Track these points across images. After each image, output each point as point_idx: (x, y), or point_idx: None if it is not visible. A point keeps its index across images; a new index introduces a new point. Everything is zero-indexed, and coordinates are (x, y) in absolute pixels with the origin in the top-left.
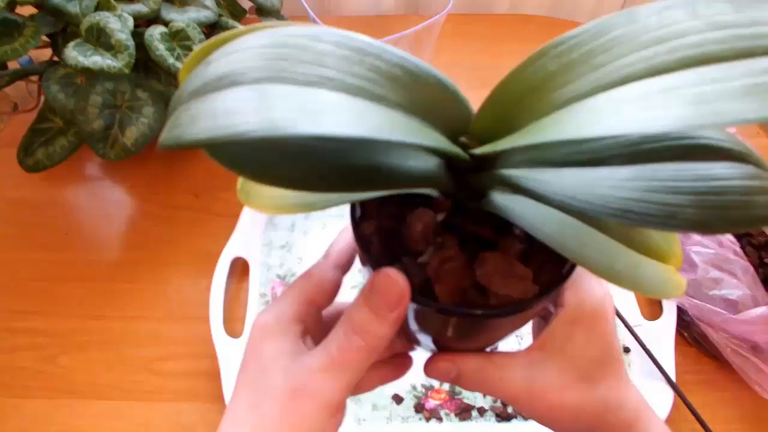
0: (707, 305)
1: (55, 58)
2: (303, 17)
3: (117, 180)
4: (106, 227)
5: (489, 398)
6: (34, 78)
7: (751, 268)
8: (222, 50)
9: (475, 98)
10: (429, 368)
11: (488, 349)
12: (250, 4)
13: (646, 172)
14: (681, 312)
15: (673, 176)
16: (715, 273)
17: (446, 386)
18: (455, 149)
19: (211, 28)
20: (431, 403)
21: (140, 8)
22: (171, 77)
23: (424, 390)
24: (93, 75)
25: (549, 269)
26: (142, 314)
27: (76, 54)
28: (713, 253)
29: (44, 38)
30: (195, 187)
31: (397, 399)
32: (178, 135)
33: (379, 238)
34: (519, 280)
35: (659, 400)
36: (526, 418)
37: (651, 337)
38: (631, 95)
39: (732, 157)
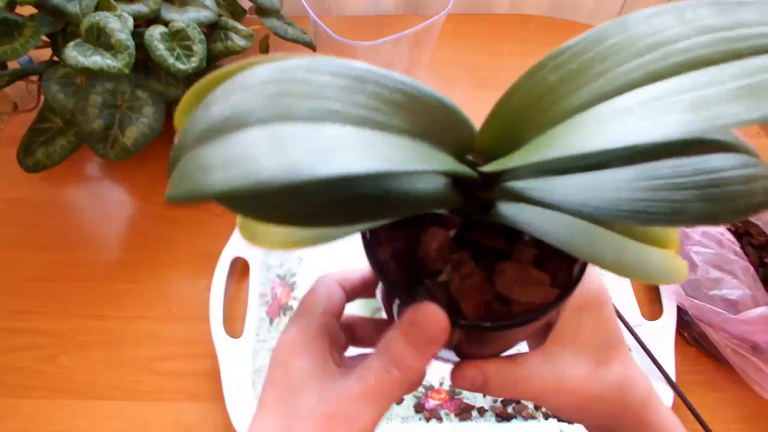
0: (707, 305)
1: (55, 58)
2: (303, 17)
3: (117, 180)
4: (106, 227)
5: (489, 398)
6: (34, 78)
7: (751, 268)
8: (220, 91)
9: (475, 98)
10: (457, 377)
11: (504, 354)
12: (250, 4)
13: (647, 171)
14: (681, 312)
15: (674, 173)
16: (715, 273)
17: (446, 386)
18: (465, 169)
19: (211, 28)
20: (431, 403)
21: (140, 8)
22: (171, 77)
23: (424, 390)
24: (93, 75)
25: (563, 270)
26: (142, 314)
27: (76, 54)
28: (713, 253)
29: (44, 38)
30: None
31: (398, 399)
32: (192, 187)
33: (395, 263)
34: (538, 285)
35: None
36: (540, 416)
37: (651, 337)
38: (632, 103)
39: (725, 148)
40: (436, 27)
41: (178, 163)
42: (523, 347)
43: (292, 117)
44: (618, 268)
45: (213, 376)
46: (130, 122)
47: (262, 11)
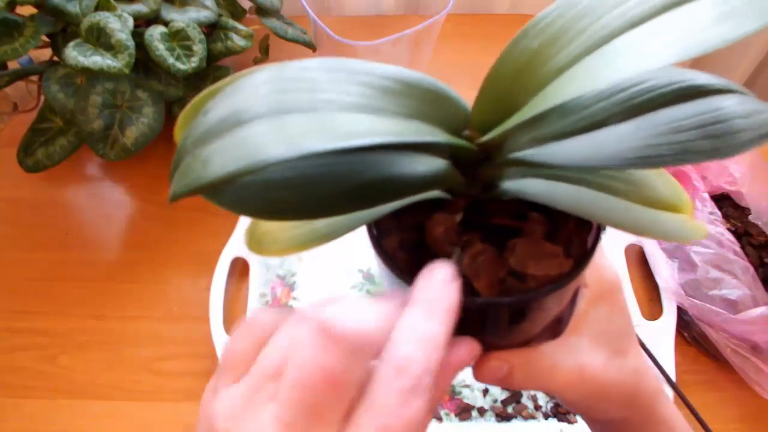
0: (707, 305)
1: (55, 58)
2: (303, 17)
3: (117, 180)
4: (106, 227)
5: (489, 398)
6: (34, 78)
7: (751, 268)
8: (217, 98)
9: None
10: (480, 370)
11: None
12: (250, 4)
13: (646, 121)
14: (681, 312)
15: (673, 118)
16: (715, 273)
17: None
18: (462, 141)
19: (211, 28)
20: None
21: (140, 8)
22: (171, 77)
23: None
24: (93, 75)
25: (576, 243)
26: (142, 314)
27: (76, 54)
28: (713, 253)
29: (44, 38)
30: None
31: None
32: (193, 179)
33: (404, 253)
34: (552, 258)
35: None
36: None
37: (651, 337)
38: (617, 49)
39: (720, 91)
40: (436, 27)
41: (179, 167)
42: None
43: (287, 110)
44: (633, 227)
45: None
46: (130, 122)
47: (262, 11)
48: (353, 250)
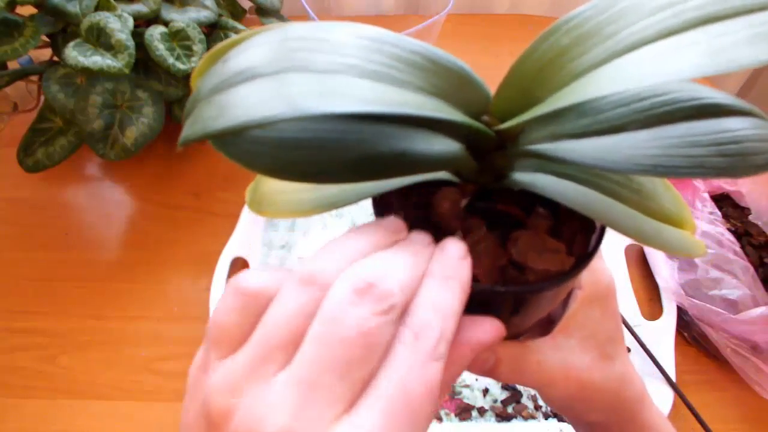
0: (707, 305)
1: (55, 58)
2: (303, 17)
3: (117, 180)
4: (106, 227)
5: (489, 398)
6: (34, 78)
7: (751, 268)
8: (238, 48)
9: None
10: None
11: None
12: (250, 4)
13: (662, 132)
14: (681, 312)
15: (690, 132)
16: (715, 273)
17: None
18: (481, 126)
19: (211, 28)
20: None
21: (140, 8)
22: (171, 77)
23: None
24: (93, 75)
25: (579, 242)
26: (142, 314)
27: (76, 54)
28: (713, 253)
29: (44, 38)
30: (195, 187)
31: None
32: (203, 127)
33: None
34: (554, 253)
35: (659, 400)
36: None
37: (651, 337)
38: (647, 56)
39: (738, 113)
40: (436, 27)
41: (192, 112)
42: None
43: (306, 68)
44: (637, 234)
45: None
46: (130, 122)
47: (262, 11)
48: None
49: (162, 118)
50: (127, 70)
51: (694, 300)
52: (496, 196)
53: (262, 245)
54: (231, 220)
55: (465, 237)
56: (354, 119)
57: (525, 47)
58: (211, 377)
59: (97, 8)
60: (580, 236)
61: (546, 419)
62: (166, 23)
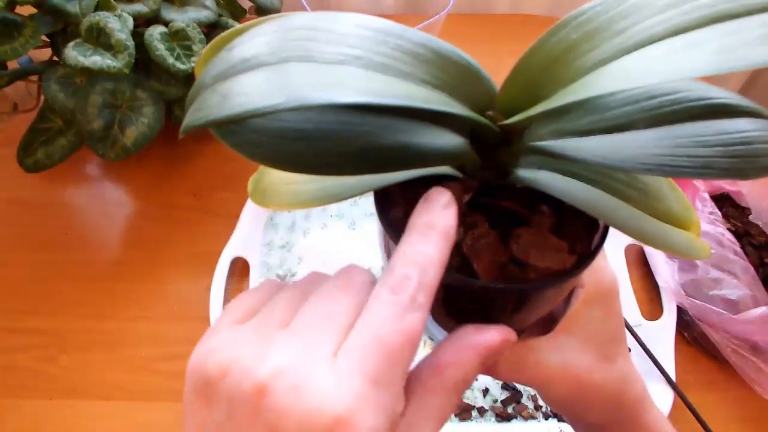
0: (707, 305)
1: (55, 58)
2: None
3: (117, 180)
4: (105, 227)
5: (489, 398)
6: (34, 78)
7: (751, 268)
8: (244, 36)
9: None
10: None
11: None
12: (250, 4)
13: (670, 132)
14: (681, 312)
15: (698, 133)
16: (715, 273)
17: None
18: (485, 120)
19: (211, 28)
20: None
21: (140, 8)
22: (171, 77)
23: None
24: (93, 75)
25: (581, 241)
26: (142, 314)
27: (76, 54)
28: (713, 253)
29: (44, 38)
30: (195, 187)
31: None
32: (207, 113)
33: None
34: (556, 251)
35: (659, 400)
36: (546, 414)
37: (651, 337)
38: (658, 53)
39: (748, 114)
40: (436, 27)
41: (195, 100)
42: None
43: (310, 58)
44: (641, 235)
45: None
46: (130, 122)
47: (262, 11)
48: (353, 251)
49: (162, 118)
50: (127, 70)
51: (695, 300)
52: (499, 192)
53: (262, 245)
54: (231, 220)
55: (466, 233)
56: (356, 111)
57: (525, 47)
58: (211, 339)
59: (97, 8)
60: (582, 235)
61: (546, 419)
62: (166, 23)
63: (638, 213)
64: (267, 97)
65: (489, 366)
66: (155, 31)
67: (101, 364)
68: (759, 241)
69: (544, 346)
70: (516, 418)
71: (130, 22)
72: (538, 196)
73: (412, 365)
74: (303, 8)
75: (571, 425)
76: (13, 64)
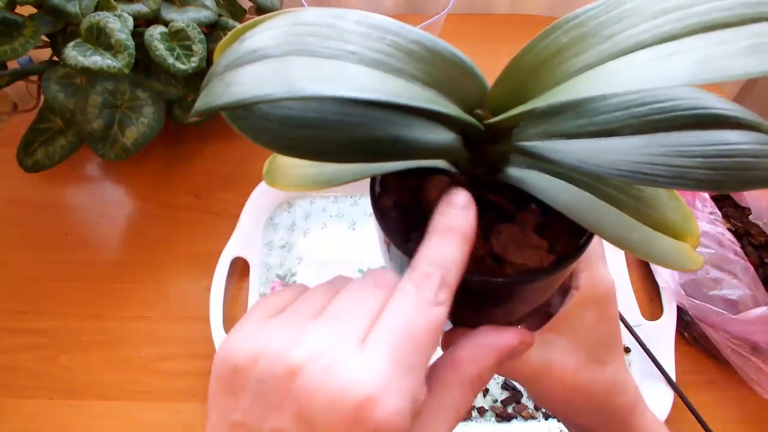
0: (707, 305)
1: (55, 58)
2: None
3: (117, 180)
4: (106, 227)
5: (489, 398)
6: (34, 78)
7: (751, 268)
8: (255, 30)
9: None
10: (446, 344)
11: None
12: (250, 4)
13: (656, 139)
14: (681, 312)
15: (683, 142)
16: (715, 273)
17: None
18: (470, 118)
19: (210, 28)
20: None
21: (140, 8)
22: (171, 77)
23: None
24: (93, 75)
25: (564, 242)
26: (142, 314)
27: (76, 54)
28: (713, 253)
29: (44, 38)
30: (195, 187)
31: None
32: (212, 99)
33: (397, 212)
34: (534, 249)
35: (659, 400)
36: (538, 409)
37: (651, 337)
38: (642, 59)
39: (742, 126)
40: (436, 27)
41: (206, 87)
42: None
43: (310, 53)
44: (623, 242)
45: None
46: (130, 122)
47: (262, 11)
48: (353, 250)
49: (162, 118)
50: (127, 70)
51: (695, 300)
52: (491, 187)
53: (262, 245)
54: (231, 220)
55: None
56: (353, 103)
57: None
58: (240, 331)
59: (97, 8)
60: (566, 237)
61: (546, 419)
62: (166, 23)
63: (628, 220)
64: (264, 87)
65: None
66: (155, 31)
67: (101, 364)
68: (759, 241)
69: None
70: (516, 418)
71: (130, 22)
72: (527, 195)
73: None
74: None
75: (564, 424)
76: (13, 64)
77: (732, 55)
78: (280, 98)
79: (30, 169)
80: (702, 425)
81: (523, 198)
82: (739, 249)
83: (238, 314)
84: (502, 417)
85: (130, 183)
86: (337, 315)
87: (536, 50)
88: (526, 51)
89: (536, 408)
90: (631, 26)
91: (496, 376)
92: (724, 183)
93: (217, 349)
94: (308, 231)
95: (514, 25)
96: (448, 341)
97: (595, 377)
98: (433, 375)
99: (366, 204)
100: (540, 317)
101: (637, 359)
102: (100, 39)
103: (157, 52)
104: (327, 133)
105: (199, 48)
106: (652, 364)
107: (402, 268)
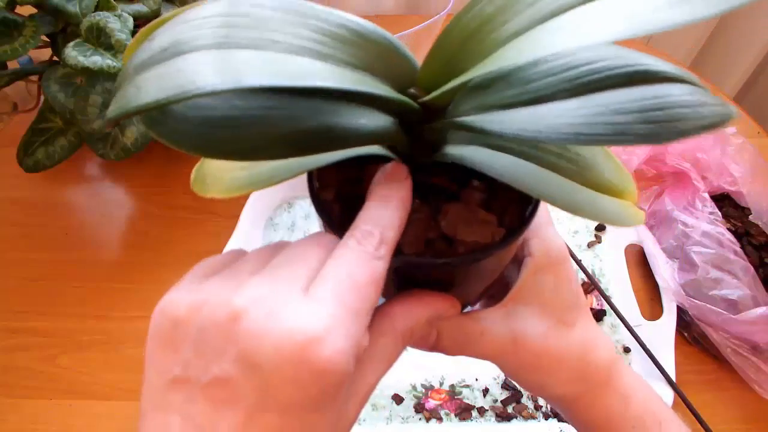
0: (707, 305)
1: (55, 58)
2: None
3: (117, 180)
4: (106, 227)
5: (489, 398)
6: (34, 78)
7: (751, 268)
8: (164, 27)
9: None
10: (409, 333)
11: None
12: None
13: (591, 100)
14: (681, 312)
15: (617, 100)
16: (715, 273)
17: (446, 386)
18: (403, 98)
19: None
20: (431, 403)
21: (140, 8)
22: None
23: (424, 390)
24: (93, 75)
25: (511, 213)
26: (142, 314)
27: (76, 54)
28: (713, 253)
29: (44, 38)
30: None
31: (397, 399)
32: (124, 104)
33: (339, 205)
34: (484, 225)
35: None
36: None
37: (651, 337)
38: (568, 21)
39: (672, 80)
40: (436, 27)
41: (118, 91)
42: None
43: (229, 45)
44: (569, 206)
45: None
46: (130, 122)
47: None
48: None
49: None
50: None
51: (695, 300)
52: (432, 170)
53: (262, 245)
54: (231, 220)
55: None
56: (276, 94)
57: None
58: (178, 289)
59: (97, 8)
60: (514, 208)
61: (546, 419)
62: None
63: (570, 184)
64: (175, 86)
65: (433, 343)
66: None
67: (101, 364)
68: (759, 241)
69: (491, 316)
70: (516, 418)
71: (130, 22)
72: (471, 172)
73: None
74: None
75: (550, 403)
76: (13, 64)
77: (656, 9)
78: (195, 95)
79: (30, 169)
80: (702, 425)
81: (467, 177)
82: (739, 249)
83: None
84: (502, 417)
85: (130, 183)
86: (278, 267)
87: (462, 23)
88: (451, 25)
89: (536, 408)
90: None
91: (496, 375)
92: (663, 135)
93: None
94: (308, 231)
95: None
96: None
97: (563, 339)
98: (372, 325)
99: None
100: (498, 291)
101: (637, 359)
102: (100, 39)
103: None
104: (254, 131)
105: None
106: (652, 364)
107: None
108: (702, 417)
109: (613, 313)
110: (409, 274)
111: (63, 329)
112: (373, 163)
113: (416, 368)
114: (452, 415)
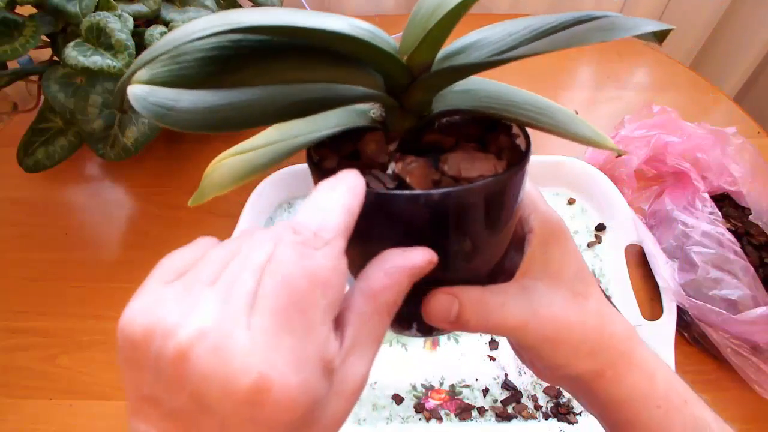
0: (707, 305)
1: (55, 58)
2: None
3: (117, 180)
4: (105, 227)
5: (489, 398)
6: (34, 78)
7: (751, 268)
8: (169, 35)
9: None
10: (429, 305)
11: None
12: (250, 3)
13: (552, 37)
14: (681, 312)
15: (573, 31)
16: (715, 273)
17: (446, 386)
18: (391, 52)
19: None
20: (431, 403)
21: (140, 8)
22: None
23: (424, 390)
24: (93, 75)
25: (507, 155)
26: None
27: (76, 54)
28: (713, 253)
29: (44, 38)
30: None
31: (397, 399)
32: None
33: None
34: (485, 161)
35: None
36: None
37: (651, 337)
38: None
39: (606, 16)
40: None
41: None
42: None
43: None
44: (552, 126)
45: None
46: (130, 122)
47: None
48: None
49: None
50: (126, 70)
51: (695, 300)
52: (424, 135)
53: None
54: (231, 220)
55: (396, 163)
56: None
57: None
58: (139, 299)
59: (97, 8)
60: (507, 152)
61: (546, 419)
62: (166, 23)
63: (547, 104)
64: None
65: (455, 315)
66: (155, 31)
67: (101, 364)
68: (759, 241)
69: (510, 289)
70: (516, 417)
71: (130, 22)
72: (460, 133)
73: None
74: (302, 8)
75: (565, 388)
76: (13, 64)
77: None
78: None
79: (30, 169)
80: None
81: (455, 135)
82: (739, 249)
83: None
84: (502, 417)
85: (130, 183)
86: (232, 274)
87: None
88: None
89: (536, 408)
90: None
91: (495, 375)
92: (615, 32)
93: None
94: None
95: None
96: (429, 303)
97: (583, 310)
98: (347, 310)
99: None
100: (506, 273)
101: None
102: (100, 39)
103: None
104: (251, 109)
105: None
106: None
107: None
108: None
109: None
110: (419, 224)
111: (63, 329)
112: (365, 136)
113: (416, 368)
114: (452, 415)
